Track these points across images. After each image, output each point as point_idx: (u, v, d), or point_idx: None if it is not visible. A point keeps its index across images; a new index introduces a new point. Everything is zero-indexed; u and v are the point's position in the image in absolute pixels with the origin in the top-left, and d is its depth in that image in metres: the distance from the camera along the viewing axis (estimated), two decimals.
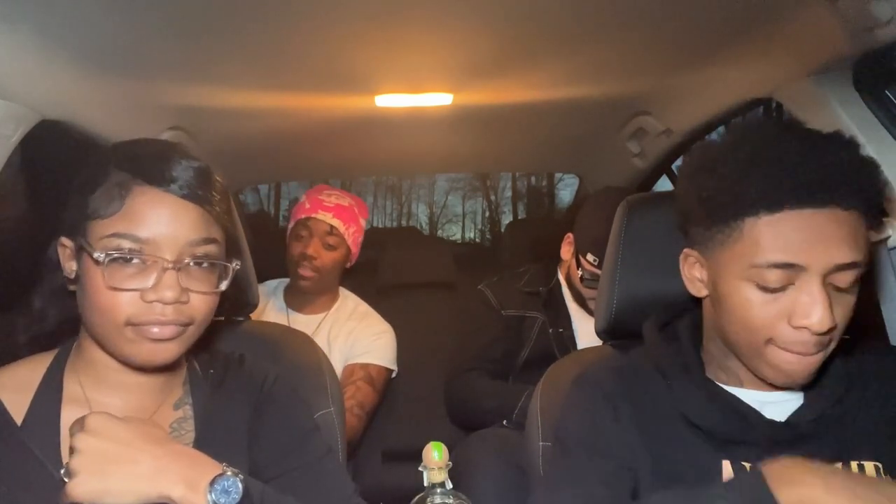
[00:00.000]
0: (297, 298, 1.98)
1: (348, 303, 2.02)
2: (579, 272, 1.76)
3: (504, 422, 1.71)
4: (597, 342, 1.19)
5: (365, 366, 1.88)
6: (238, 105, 1.52)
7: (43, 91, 1.13)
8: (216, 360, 0.96)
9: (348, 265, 1.99)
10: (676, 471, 0.88)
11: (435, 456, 0.91)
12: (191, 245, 0.81)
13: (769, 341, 0.82)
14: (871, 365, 0.94)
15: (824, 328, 0.78)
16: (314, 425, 0.99)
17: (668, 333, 1.00)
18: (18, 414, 0.83)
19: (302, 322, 1.93)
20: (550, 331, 1.82)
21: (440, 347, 2.09)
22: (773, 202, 0.79)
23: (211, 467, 0.76)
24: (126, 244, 0.79)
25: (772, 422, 0.88)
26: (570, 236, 1.84)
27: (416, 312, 2.35)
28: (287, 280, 2.02)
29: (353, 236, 1.94)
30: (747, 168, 0.81)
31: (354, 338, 1.90)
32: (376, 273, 2.53)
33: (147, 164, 0.82)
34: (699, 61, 1.35)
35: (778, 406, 0.90)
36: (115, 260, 0.79)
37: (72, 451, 0.73)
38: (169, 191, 0.81)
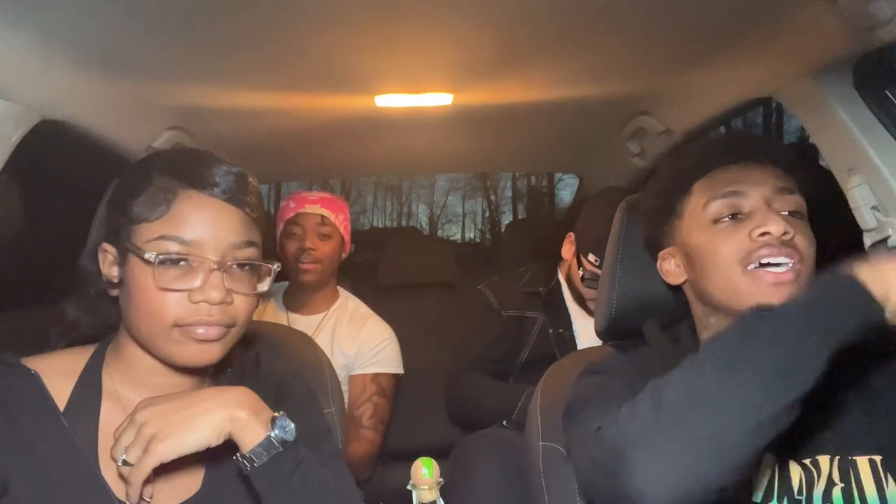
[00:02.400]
0: (296, 300, 1.99)
1: (349, 303, 2.02)
2: (580, 272, 1.76)
3: (504, 422, 1.71)
4: (597, 342, 1.19)
5: (376, 377, 1.90)
6: (238, 105, 1.52)
7: (43, 91, 1.13)
8: (233, 360, 0.97)
9: (344, 255, 2.01)
10: None
11: (425, 473, 0.87)
12: (233, 247, 0.83)
13: (743, 267, 0.88)
14: (872, 359, 0.94)
15: (781, 230, 0.87)
16: (326, 426, 1.00)
17: (670, 334, 1.01)
18: (59, 401, 0.85)
19: (302, 323, 1.93)
20: (550, 331, 1.82)
21: (440, 347, 2.09)
22: (708, 163, 0.96)
23: (268, 409, 0.83)
24: (173, 246, 0.81)
25: None
26: (571, 236, 1.84)
27: (416, 312, 2.34)
28: (286, 284, 2.03)
29: (343, 224, 1.97)
30: (684, 152, 1.01)
31: (359, 345, 1.91)
32: (376, 273, 2.53)
33: (190, 169, 0.84)
34: (699, 61, 1.35)
35: None
36: (164, 262, 0.80)
37: (135, 428, 0.78)
38: (212, 195, 0.83)
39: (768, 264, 0.88)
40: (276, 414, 0.82)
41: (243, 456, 0.79)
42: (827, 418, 0.89)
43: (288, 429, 0.81)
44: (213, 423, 0.78)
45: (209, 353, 0.83)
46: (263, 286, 0.87)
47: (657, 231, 1.01)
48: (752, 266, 0.88)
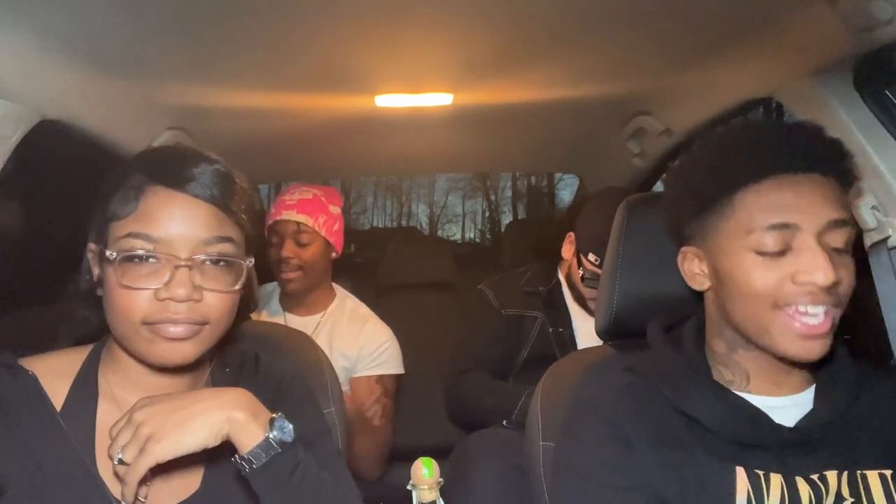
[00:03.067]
0: (292, 300, 1.97)
1: (347, 303, 2.01)
2: (580, 272, 1.76)
3: (504, 422, 1.71)
4: (597, 342, 1.19)
5: (380, 378, 1.91)
6: (238, 105, 1.52)
7: (43, 91, 1.13)
8: (232, 360, 0.97)
9: (334, 255, 1.96)
10: (692, 480, 0.86)
11: (425, 473, 0.87)
12: (204, 244, 0.82)
13: (775, 306, 0.82)
14: (878, 375, 0.93)
15: (829, 281, 0.79)
16: (326, 427, 1.00)
17: (672, 337, 0.99)
18: (56, 402, 0.85)
19: (299, 324, 1.92)
20: (550, 330, 1.81)
21: (440, 347, 2.09)
22: (758, 169, 0.83)
23: (266, 410, 0.83)
24: (140, 243, 0.80)
25: (781, 426, 0.87)
26: (571, 236, 1.84)
27: (416, 312, 2.35)
28: None
29: (325, 226, 1.89)
30: (730, 146, 0.87)
31: (360, 347, 1.90)
32: (376, 273, 2.53)
33: (162, 165, 0.84)
34: (699, 61, 1.35)
35: (786, 411, 0.88)
36: (128, 259, 0.80)
37: (132, 428, 0.77)
38: (182, 191, 0.82)
39: (805, 313, 0.81)
40: (274, 415, 0.82)
41: (242, 457, 0.79)
42: (835, 433, 0.87)
43: (286, 430, 0.81)
44: (210, 424, 0.78)
45: (181, 352, 0.82)
46: (239, 284, 0.86)
47: (682, 221, 0.93)
48: (785, 308, 0.82)
